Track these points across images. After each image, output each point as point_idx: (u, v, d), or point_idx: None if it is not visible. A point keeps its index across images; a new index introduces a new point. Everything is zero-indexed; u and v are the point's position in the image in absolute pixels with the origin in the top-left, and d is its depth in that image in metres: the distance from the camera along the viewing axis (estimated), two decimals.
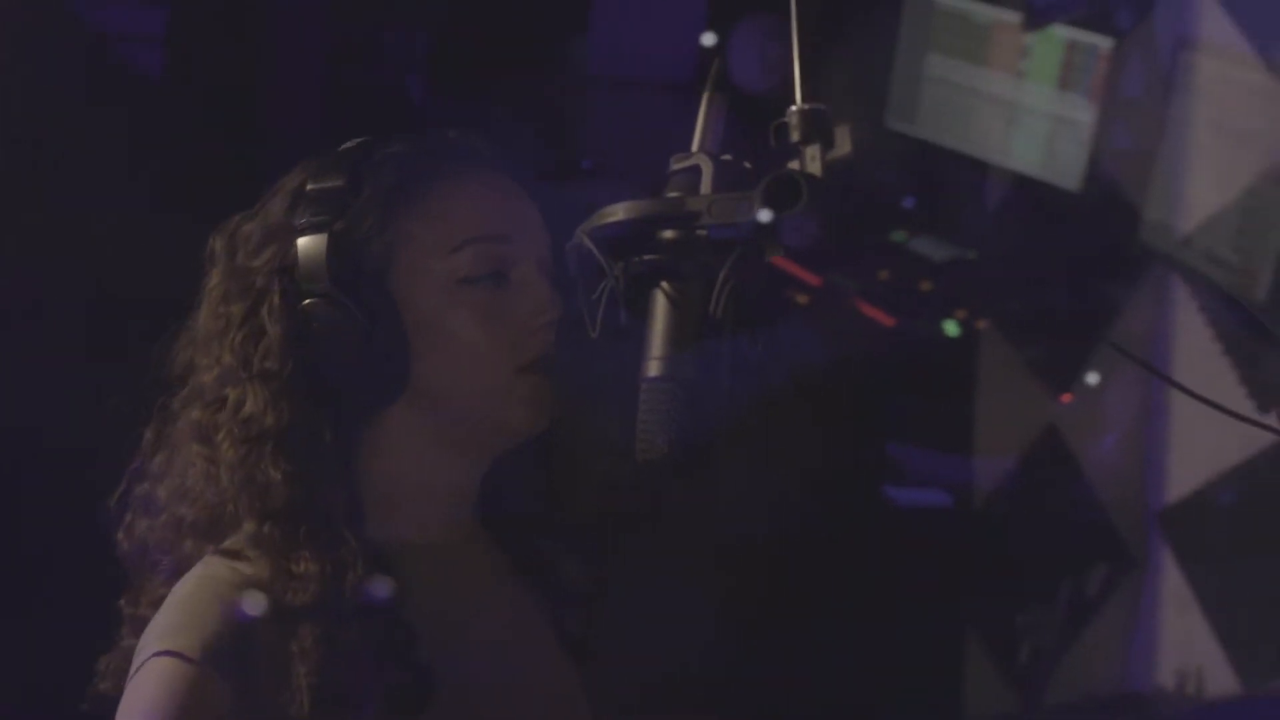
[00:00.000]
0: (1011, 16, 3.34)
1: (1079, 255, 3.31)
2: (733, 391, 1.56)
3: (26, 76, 2.99)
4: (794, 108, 1.54)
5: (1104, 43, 3.26)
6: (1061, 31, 3.28)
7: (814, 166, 1.52)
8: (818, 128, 1.53)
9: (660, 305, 1.56)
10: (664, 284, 1.56)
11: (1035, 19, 3.28)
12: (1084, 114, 3.26)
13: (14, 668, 2.76)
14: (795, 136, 1.53)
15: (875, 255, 3.32)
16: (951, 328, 3.39)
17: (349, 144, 1.80)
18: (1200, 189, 3.22)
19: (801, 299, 3.22)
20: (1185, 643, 3.24)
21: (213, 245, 1.80)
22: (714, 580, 2.60)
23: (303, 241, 1.72)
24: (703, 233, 1.53)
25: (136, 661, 1.68)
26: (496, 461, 1.80)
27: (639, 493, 1.75)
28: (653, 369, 1.54)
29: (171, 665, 1.65)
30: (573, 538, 1.85)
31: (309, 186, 1.76)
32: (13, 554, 2.88)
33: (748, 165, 1.57)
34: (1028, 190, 3.32)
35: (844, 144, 1.52)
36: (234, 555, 1.72)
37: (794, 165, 1.53)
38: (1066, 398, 3.39)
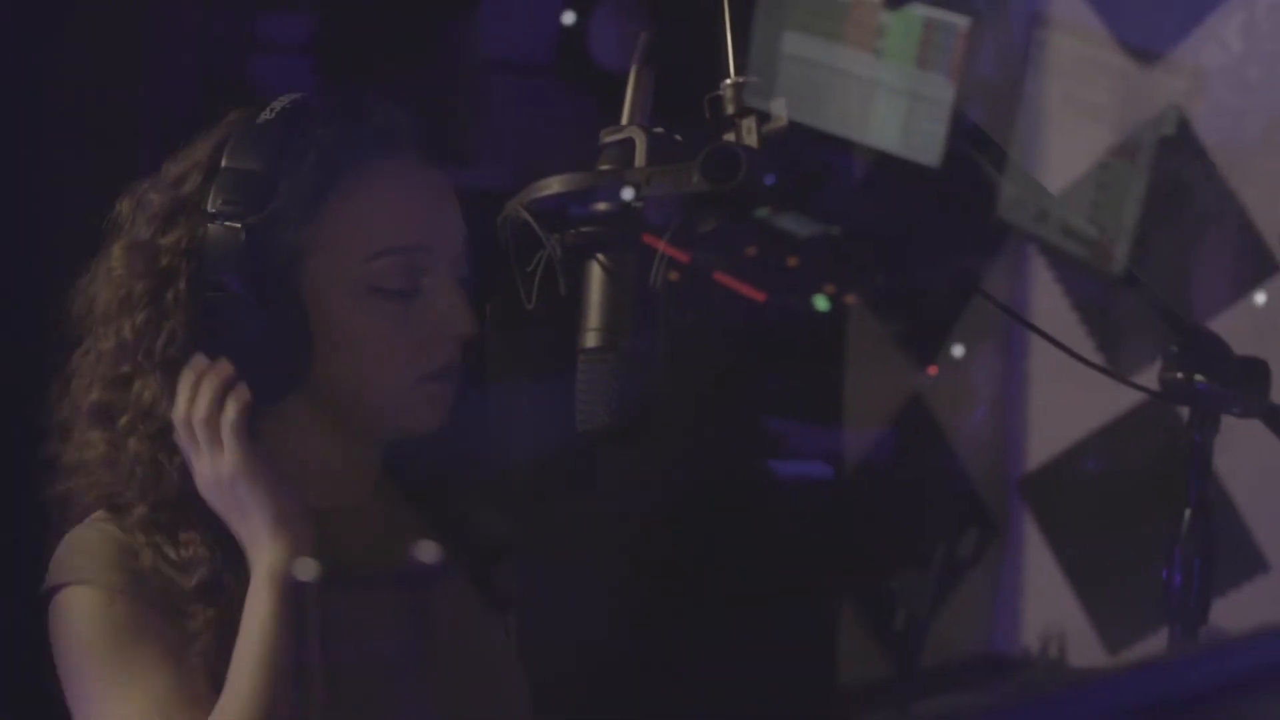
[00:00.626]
0: None
1: (940, 231, 3.36)
2: (667, 362, 1.58)
3: None
4: (728, 80, 1.56)
5: (961, 21, 3.31)
6: (919, 10, 3.32)
7: (750, 138, 1.54)
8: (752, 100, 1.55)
9: (597, 277, 1.57)
10: (600, 256, 1.57)
11: None
12: (943, 92, 3.31)
13: None
14: (730, 109, 1.55)
15: (741, 231, 3.35)
16: (821, 302, 3.43)
17: (272, 111, 1.74)
18: (1055, 164, 3.29)
19: (672, 276, 3.24)
20: (1048, 607, 3.31)
21: (119, 209, 1.77)
22: (600, 551, 2.62)
23: (214, 230, 1.69)
24: (640, 204, 1.55)
25: (47, 600, 1.72)
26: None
27: (569, 463, 1.77)
28: (590, 340, 1.56)
29: (85, 593, 1.69)
30: (488, 494, 1.86)
31: (225, 164, 1.71)
32: None
33: (679, 138, 1.59)
34: (888, 167, 3.37)
35: (780, 116, 1.55)
36: (124, 524, 1.72)
37: (729, 137, 1.55)
38: (932, 370, 3.45)
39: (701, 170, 1.52)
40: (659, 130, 1.59)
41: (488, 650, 1.85)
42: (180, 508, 1.71)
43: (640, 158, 1.57)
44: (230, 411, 1.65)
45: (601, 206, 1.56)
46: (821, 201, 3.54)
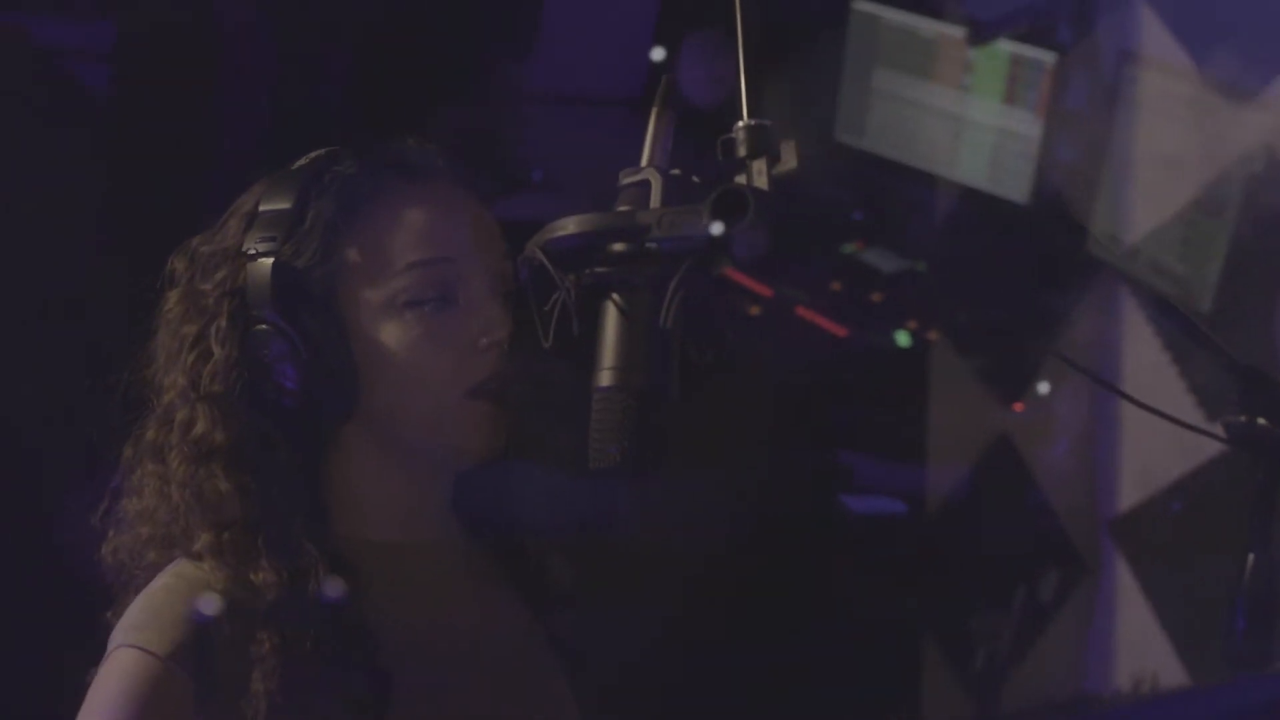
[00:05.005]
0: (956, 31, 3.38)
1: (1027, 267, 3.34)
2: (683, 401, 1.58)
3: None
4: (740, 123, 1.56)
5: (1048, 57, 3.30)
6: (1006, 46, 3.32)
7: (760, 181, 1.55)
8: (764, 142, 1.56)
9: (611, 316, 1.58)
10: (615, 295, 1.58)
11: (979, 34, 3.32)
12: (1030, 127, 3.31)
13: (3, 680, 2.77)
14: (742, 151, 1.56)
15: (826, 267, 3.35)
16: (903, 338, 3.42)
17: (304, 159, 1.81)
18: (1145, 200, 3.26)
19: (753, 310, 3.25)
20: (1141, 648, 3.27)
21: (172, 265, 1.83)
22: (670, 589, 2.61)
23: (251, 267, 1.75)
24: (653, 245, 1.56)
25: (104, 656, 1.71)
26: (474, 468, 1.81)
27: (594, 503, 1.77)
28: (604, 379, 1.57)
29: (133, 658, 1.69)
30: (556, 541, 1.87)
31: (261, 208, 1.78)
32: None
33: (696, 180, 1.60)
34: (975, 203, 3.36)
35: (790, 159, 1.55)
36: (201, 558, 1.74)
37: (741, 179, 1.56)
38: (1018, 407, 3.43)
39: (710, 212, 1.53)
40: (676, 172, 1.59)
41: (550, 696, 1.85)
42: (245, 533, 1.73)
43: (656, 199, 1.58)
44: None
45: (616, 247, 1.57)
46: (908, 237, 3.54)
